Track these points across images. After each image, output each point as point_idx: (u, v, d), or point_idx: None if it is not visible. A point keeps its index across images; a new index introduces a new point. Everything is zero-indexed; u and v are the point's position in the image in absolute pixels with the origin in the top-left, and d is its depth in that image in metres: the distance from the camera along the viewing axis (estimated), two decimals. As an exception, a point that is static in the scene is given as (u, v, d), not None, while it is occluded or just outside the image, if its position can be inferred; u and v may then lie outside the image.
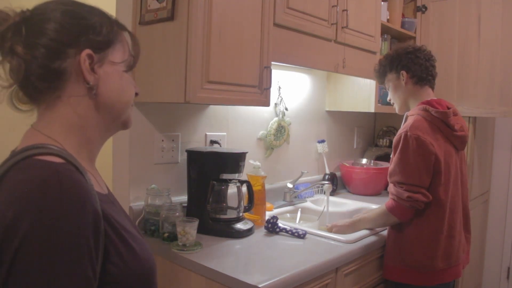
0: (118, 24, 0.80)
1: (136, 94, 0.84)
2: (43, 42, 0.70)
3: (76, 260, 0.61)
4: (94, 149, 0.79)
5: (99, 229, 0.65)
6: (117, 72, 0.78)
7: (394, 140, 1.62)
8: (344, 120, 2.74)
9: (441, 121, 1.60)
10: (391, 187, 1.60)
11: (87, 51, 0.72)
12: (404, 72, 1.70)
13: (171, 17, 1.40)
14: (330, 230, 1.71)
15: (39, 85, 0.72)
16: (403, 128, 1.60)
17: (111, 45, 0.76)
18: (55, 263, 0.59)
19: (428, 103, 1.63)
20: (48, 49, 0.70)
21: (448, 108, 1.64)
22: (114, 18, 0.80)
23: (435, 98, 1.68)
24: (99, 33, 0.74)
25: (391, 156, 1.76)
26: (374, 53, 2.29)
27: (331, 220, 2.09)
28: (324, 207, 2.04)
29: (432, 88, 1.75)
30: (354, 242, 1.57)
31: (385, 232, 1.72)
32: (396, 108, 1.81)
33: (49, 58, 0.70)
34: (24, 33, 0.70)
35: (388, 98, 1.84)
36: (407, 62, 1.70)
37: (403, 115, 1.83)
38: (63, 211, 0.60)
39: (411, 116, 1.65)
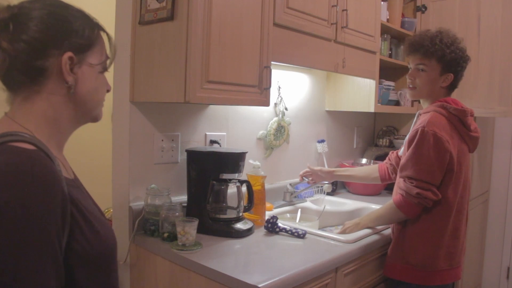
0: (99, 26, 0.85)
1: (108, 91, 0.90)
2: (27, 39, 0.74)
3: (45, 235, 0.68)
4: (63, 138, 0.86)
5: (65, 209, 0.72)
6: (93, 73, 0.84)
7: (409, 135, 1.58)
8: (344, 120, 2.74)
9: (458, 119, 1.59)
10: (400, 182, 1.57)
11: (69, 53, 0.77)
12: (451, 76, 1.62)
13: (170, 17, 1.40)
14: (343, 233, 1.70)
15: (21, 79, 0.77)
16: (419, 123, 1.56)
17: (90, 48, 0.82)
18: (26, 236, 0.66)
19: (445, 101, 1.61)
20: (32, 47, 0.75)
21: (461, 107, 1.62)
22: (96, 20, 0.85)
23: (451, 97, 1.66)
24: (81, 36, 0.80)
25: (402, 150, 1.73)
26: (374, 53, 2.29)
27: (331, 220, 2.10)
28: (324, 206, 2.05)
29: None
30: (354, 242, 1.57)
31: (385, 232, 1.72)
32: (412, 93, 1.70)
33: (32, 56, 0.75)
34: (11, 29, 0.74)
35: (410, 78, 1.67)
36: (458, 68, 1.62)
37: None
38: (35, 192, 0.67)
39: (427, 113, 1.60)
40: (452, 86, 1.67)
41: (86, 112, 0.85)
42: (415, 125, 1.61)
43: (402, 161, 1.59)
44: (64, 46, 0.77)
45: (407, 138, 1.61)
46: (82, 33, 0.80)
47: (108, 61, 0.88)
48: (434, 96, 1.66)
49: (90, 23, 0.83)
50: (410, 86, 1.68)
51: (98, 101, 0.87)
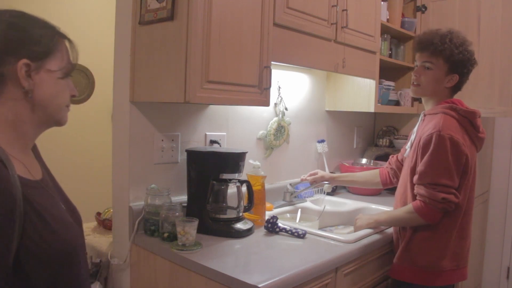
0: (60, 34, 0.90)
1: (74, 96, 0.94)
2: None
3: None
4: (28, 141, 0.90)
5: (14, 209, 0.75)
6: (52, 79, 0.88)
7: (423, 139, 1.54)
8: (344, 120, 2.74)
9: (468, 121, 1.58)
10: (420, 189, 1.53)
11: (24, 60, 0.82)
12: (456, 77, 1.61)
13: (171, 17, 1.40)
14: (356, 226, 1.72)
15: None
16: (433, 127, 1.53)
17: (49, 55, 0.86)
18: None
19: (452, 102, 1.60)
20: None
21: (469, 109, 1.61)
22: (57, 29, 0.90)
23: (456, 98, 1.65)
24: (38, 44, 0.85)
25: (406, 152, 1.71)
26: (374, 53, 2.29)
27: (331, 220, 2.09)
28: (324, 206, 2.05)
29: None
30: (354, 242, 1.57)
31: (385, 232, 1.72)
32: (415, 90, 1.67)
33: None
34: None
35: (416, 74, 1.66)
36: (464, 70, 1.61)
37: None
38: None
39: (435, 115, 1.59)
40: (456, 88, 1.66)
41: (48, 116, 0.89)
42: (425, 128, 1.58)
43: (420, 167, 1.54)
44: (20, 53, 0.82)
45: (419, 142, 1.57)
46: (39, 41, 0.85)
47: (69, 67, 0.91)
48: (438, 96, 1.64)
49: (50, 32, 0.88)
50: (415, 83, 1.67)
51: (59, 105, 0.90)
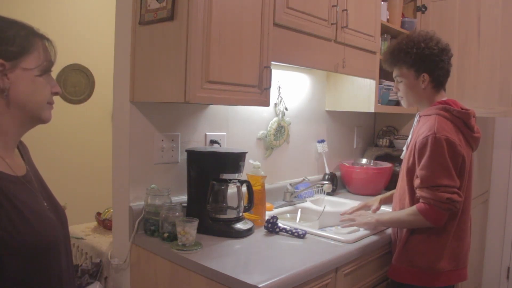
0: (36, 34, 0.92)
1: (57, 93, 0.95)
2: None
3: None
4: (11, 139, 0.92)
5: None
6: (29, 77, 0.89)
7: (419, 142, 1.53)
8: (344, 120, 2.74)
9: (462, 121, 1.58)
10: (423, 192, 1.52)
11: None
12: (426, 76, 1.61)
13: (171, 17, 1.40)
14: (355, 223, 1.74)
15: None
16: (428, 130, 1.53)
17: (24, 54, 0.88)
18: None
19: (446, 103, 1.60)
20: None
21: (463, 109, 1.60)
22: (34, 29, 0.92)
23: (450, 98, 1.64)
24: (12, 44, 0.87)
25: (403, 153, 1.71)
26: (374, 53, 2.29)
27: (331, 220, 2.09)
28: (324, 206, 2.05)
29: (445, 88, 1.70)
30: (354, 242, 1.57)
31: (385, 232, 1.72)
32: (405, 103, 1.73)
33: None
34: None
35: (395, 91, 1.74)
36: (432, 65, 1.60)
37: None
38: None
39: (429, 116, 1.59)
40: (437, 84, 1.64)
41: (29, 114, 0.91)
42: (420, 130, 1.58)
43: (420, 172, 1.53)
44: None
45: (415, 144, 1.56)
46: (13, 41, 0.87)
47: (48, 65, 0.93)
48: (424, 98, 1.66)
49: (24, 32, 0.89)
50: (398, 97, 1.76)
51: (39, 102, 0.92)
